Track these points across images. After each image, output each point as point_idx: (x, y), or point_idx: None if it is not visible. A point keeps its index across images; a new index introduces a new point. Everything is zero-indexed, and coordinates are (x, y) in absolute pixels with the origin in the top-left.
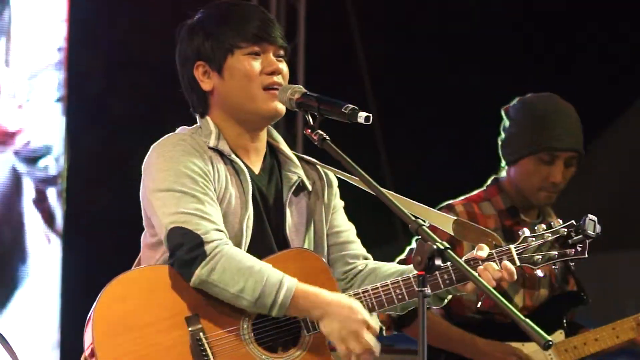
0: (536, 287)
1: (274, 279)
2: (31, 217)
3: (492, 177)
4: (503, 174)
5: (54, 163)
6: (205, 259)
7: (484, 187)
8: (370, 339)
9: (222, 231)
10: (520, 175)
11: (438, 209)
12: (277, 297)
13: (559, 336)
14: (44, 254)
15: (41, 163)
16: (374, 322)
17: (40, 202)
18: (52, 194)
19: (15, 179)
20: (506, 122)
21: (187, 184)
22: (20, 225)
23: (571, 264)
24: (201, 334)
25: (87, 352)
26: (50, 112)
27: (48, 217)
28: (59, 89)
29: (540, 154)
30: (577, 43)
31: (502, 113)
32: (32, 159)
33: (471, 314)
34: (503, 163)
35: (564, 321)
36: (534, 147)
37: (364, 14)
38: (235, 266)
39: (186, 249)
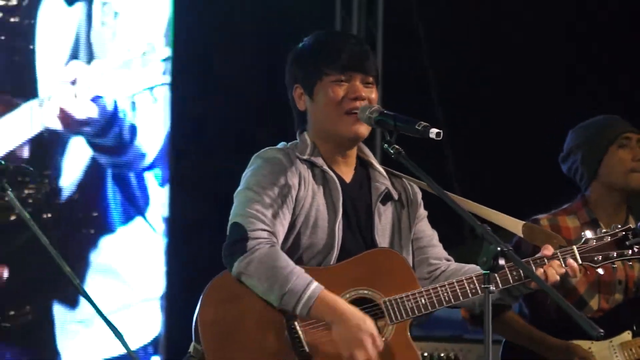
0: (612, 292)
1: (301, 281)
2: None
3: (580, 194)
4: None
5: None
6: (244, 253)
7: (571, 202)
8: (372, 352)
9: (272, 233)
10: (608, 172)
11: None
12: (302, 297)
13: (625, 336)
14: (149, 253)
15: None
16: (380, 340)
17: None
18: (159, 197)
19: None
20: (567, 153)
21: (264, 190)
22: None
23: None
24: (296, 322)
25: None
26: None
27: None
28: (165, 104)
29: (615, 143)
30: None
31: (564, 149)
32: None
33: (551, 312)
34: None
35: (634, 323)
36: (608, 139)
37: (436, 41)
38: (270, 264)
39: (231, 241)
